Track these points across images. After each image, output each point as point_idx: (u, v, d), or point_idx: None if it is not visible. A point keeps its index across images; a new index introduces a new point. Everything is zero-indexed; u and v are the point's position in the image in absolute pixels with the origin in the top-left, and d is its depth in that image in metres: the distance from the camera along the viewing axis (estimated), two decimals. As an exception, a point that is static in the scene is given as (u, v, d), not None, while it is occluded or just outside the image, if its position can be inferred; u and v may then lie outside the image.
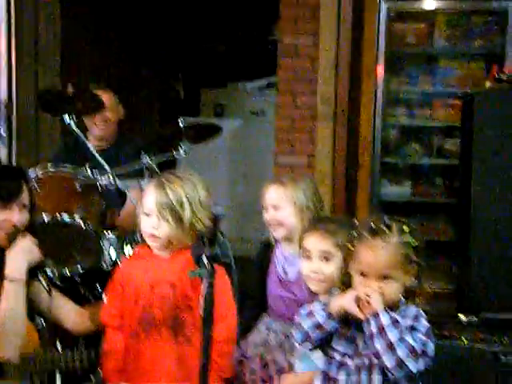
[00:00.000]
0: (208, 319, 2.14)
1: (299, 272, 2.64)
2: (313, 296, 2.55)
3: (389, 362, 1.99)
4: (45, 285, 2.66)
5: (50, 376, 2.54)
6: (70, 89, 3.59)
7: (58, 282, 3.15)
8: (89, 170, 3.41)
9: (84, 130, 3.93)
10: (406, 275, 2.10)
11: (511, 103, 4.05)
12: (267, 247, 3.04)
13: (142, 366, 2.63)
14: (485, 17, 5.00)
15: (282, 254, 2.94)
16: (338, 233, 2.44)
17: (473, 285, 4.02)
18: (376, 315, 2.01)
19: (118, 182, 3.47)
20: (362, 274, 2.09)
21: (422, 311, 2.12)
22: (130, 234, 3.38)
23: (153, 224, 2.64)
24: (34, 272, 2.62)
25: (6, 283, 2.51)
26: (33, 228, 2.69)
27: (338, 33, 4.69)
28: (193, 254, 2.20)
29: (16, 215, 2.58)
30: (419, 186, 5.30)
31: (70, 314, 2.76)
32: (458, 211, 4.62)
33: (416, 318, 2.08)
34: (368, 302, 2.02)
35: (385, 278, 2.07)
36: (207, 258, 2.13)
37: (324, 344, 2.18)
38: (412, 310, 2.11)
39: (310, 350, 2.26)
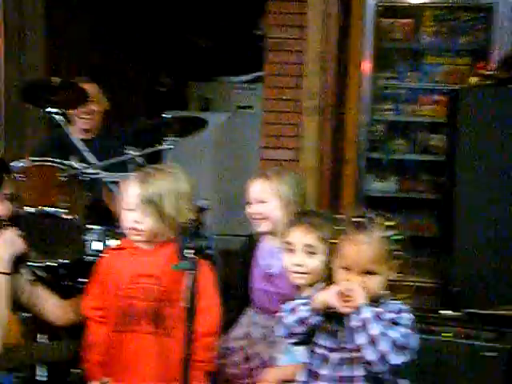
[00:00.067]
0: (191, 311, 2.14)
1: (283, 266, 2.64)
2: (296, 290, 2.56)
3: (371, 355, 2.00)
4: (28, 277, 2.65)
5: (32, 367, 2.54)
6: (55, 80, 3.55)
7: (42, 274, 3.13)
8: (73, 162, 3.39)
9: (69, 122, 3.91)
10: (389, 270, 2.11)
11: (496, 99, 4.06)
12: (251, 241, 3.05)
13: (124, 358, 2.62)
14: (471, 13, 5.02)
15: (266, 247, 2.95)
16: (322, 227, 2.45)
17: (455, 280, 4.04)
18: (358, 309, 2.02)
19: (103, 174, 3.46)
20: (345, 269, 2.10)
21: (405, 305, 2.12)
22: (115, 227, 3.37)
23: (134, 218, 2.64)
24: (17, 264, 2.61)
25: (-11, 275, 2.50)
26: (16, 220, 2.67)
27: (325, 27, 4.69)
28: (178, 247, 2.19)
29: (-2, 207, 2.56)
30: (405, 182, 5.31)
31: (52, 306, 2.76)
32: (442, 207, 4.64)
33: (399, 311, 2.09)
34: (351, 297, 2.03)
35: (368, 272, 2.08)
36: (191, 250, 2.13)
37: (307, 338, 2.18)
38: (395, 304, 2.12)
39: (294, 344, 2.27)
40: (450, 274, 4.12)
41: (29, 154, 3.67)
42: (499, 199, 4.00)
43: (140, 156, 3.49)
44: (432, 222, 5.08)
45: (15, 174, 3.08)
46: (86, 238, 3.36)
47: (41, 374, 2.84)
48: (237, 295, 3.08)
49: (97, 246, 3.38)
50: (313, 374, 2.17)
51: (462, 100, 4.11)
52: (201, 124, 3.90)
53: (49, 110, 3.57)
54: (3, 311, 2.49)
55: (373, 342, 1.99)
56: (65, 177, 3.30)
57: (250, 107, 6.89)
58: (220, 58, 7.53)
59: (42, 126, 4.91)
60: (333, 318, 2.13)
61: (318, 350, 2.16)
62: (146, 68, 7.75)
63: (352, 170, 5.02)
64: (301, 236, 2.49)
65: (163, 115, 3.71)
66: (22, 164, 3.30)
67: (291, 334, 2.17)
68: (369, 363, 2.02)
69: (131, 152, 3.52)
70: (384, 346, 1.99)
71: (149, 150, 3.56)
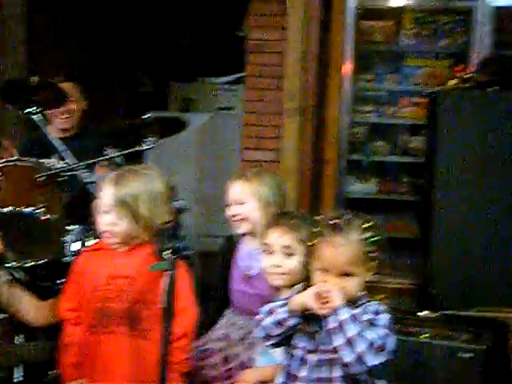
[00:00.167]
0: (168, 312, 2.14)
1: (262, 267, 2.64)
2: (276, 291, 2.57)
3: (348, 357, 2.01)
4: (5, 278, 2.64)
5: (9, 368, 2.53)
6: (33, 80, 3.53)
7: (19, 275, 3.11)
8: (51, 162, 3.37)
9: (47, 121, 3.89)
10: (367, 271, 2.12)
11: (474, 102, 4.09)
12: (231, 242, 3.04)
13: (99, 360, 2.61)
14: (451, 16, 5.04)
15: (246, 249, 2.95)
16: (300, 228, 2.45)
17: (433, 282, 4.06)
18: (335, 311, 2.02)
19: (82, 174, 3.45)
20: (323, 271, 2.10)
21: (382, 306, 2.13)
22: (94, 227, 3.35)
23: (109, 221, 2.63)
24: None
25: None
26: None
27: (306, 29, 4.69)
28: (156, 248, 2.19)
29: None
30: (385, 184, 5.33)
31: (29, 306, 2.74)
32: (422, 209, 4.66)
33: (376, 313, 2.10)
34: (328, 298, 2.03)
35: (345, 274, 2.08)
36: (168, 251, 2.13)
37: (285, 340, 2.18)
38: (372, 305, 2.12)
39: (271, 346, 2.27)
40: (429, 275, 4.14)
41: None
42: (477, 201, 4.02)
43: (119, 156, 3.48)
44: (412, 223, 5.09)
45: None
46: (65, 238, 3.34)
47: (17, 375, 2.83)
48: (216, 297, 3.07)
49: (76, 246, 3.36)
50: (291, 376, 2.17)
51: (441, 102, 4.13)
52: (181, 125, 3.89)
53: (28, 109, 3.55)
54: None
55: (350, 343, 1.99)
56: (42, 177, 3.28)
57: (231, 108, 6.90)
58: (202, 59, 7.52)
59: (21, 126, 4.88)
60: (311, 320, 2.14)
61: (297, 352, 2.17)
62: (127, 68, 7.73)
63: (332, 171, 5.03)
64: (278, 237, 2.50)
65: (144, 116, 3.70)
66: (-1, 164, 3.28)
67: (269, 336, 2.17)
68: (346, 364, 2.02)
69: (110, 152, 3.51)
70: (361, 347, 1.99)
71: (128, 151, 3.55)
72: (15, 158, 3.37)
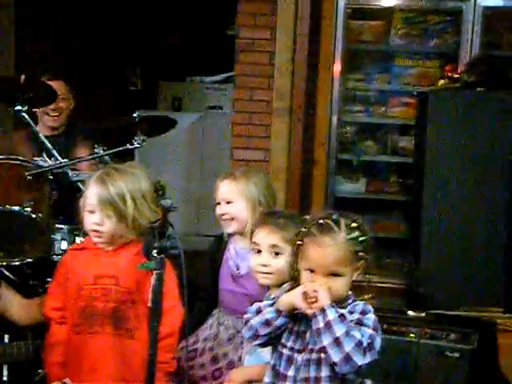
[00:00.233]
0: (156, 312, 2.14)
1: (250, 266, 2.64)
2: (264, 290, 2.56)
3: (335, 356, 2.00)
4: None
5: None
6: (22, 78, 3.51)
7: (7, 274, 3.10)
8: (40, 161, 3.36)
9: (36, 119, 3.87)
10: (354, 271, 2.12)
11: (464, 102, 4.09)
12: (220, 242, 3.04)
13: (85, 359, 2.60)
14: (441, 16, 5.04)
15: (235, 248, 2.95)
16: (288, 227, 2.44)
17: (421, 281, 4.07)
18: (323, 311, 2.02)
19: (70, 173, 3.43)
20: (310, 270, 2.10)
21: (369, 306, 2.13)
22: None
23: (95, 220, 2.62)
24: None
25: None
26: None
27: (295, 28, 4.69)
28: (144, 247, 2.19)
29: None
30: (374, 183, 5.33)
31: (16, 305, 2.73)
32: (411, 209, 4.67)
33: (363, 312, 2.10)
34: (315, 298, 2.03)
35: (333, 274, 2.08)
36: (156, 250, 2.13)
37: (274, 340, 2.18)
38: (360, 305, 2.12)
39: (259, 345, 2.27)
40: (417, 275, 4.15)
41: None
42: (466, 201, 4.03)
43: (107, 155, 3.47)
44: (401, 223, 5.10)
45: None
46: (54, 237, 3.33)
47: (6, 373, 2.82)
48: (205, 296, 3.07)
49: (64, 245, 3.35)
50: (279, 375, 2.16)
51: (430, 102, 4.13)
52: (170, 124, 3.90)
53: (16, 107, 3.53)
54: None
55: (337, 342, 1.99)
56: (31, 175, 3.27)
57: (220, 107, 6.90)
58: (192, 58, 7.52)
59: (9, 125, 4.85)
60: (299, 320, 2.14)
61: (285, 351, 2.16)
62: (116, 67, 7.72)
63: (322, 171, 5.03)
64: (265, 236, 2.49)
65: (133, 114, 3.69)
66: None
67: (256, 336, 2.17)
68: (334, 364, 2.02)
69: (99, 150, 3.50)
70: (349, 346, 1.99)
71: (116, 149, 3.54)
72: (3, 156, 3.35)
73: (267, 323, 2.13)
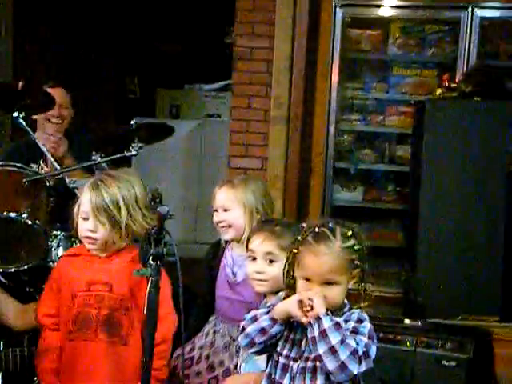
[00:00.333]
0: (152, 318, 2.13)
1: (246, 273, 2.64)
2: (261, 298, 2.56)
3: (331, 364, 2.00)
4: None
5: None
6: (20, 84, 3.51)
7: (3, 280, 3.10)
8: (37, 168, 3.36)
9: (34, 126, 3.87)
10: (350, 279, 2.11)
11: (461, 111, 4.10)
12: (217, 249, 3.05)
13: (78, 366, 2.59)
14: (438, 26, 5.06)
15: (232, 255, 2.95)
16: (283, 235, 2.45)
17: (418, 290, 4.07)
18: (318, 319, 2.02)
19: (67, 179, 3.44)
20: (306, 279, 2.10)
21: (365, 314, 2.13)
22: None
23: (89, 227, 2.61)
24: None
25: None
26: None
27: (293, 37, 4.71)
28: (140, 254, 2.18)
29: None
30: (371, 192, 5.33)
31: (12, 310, 2.72)
32: (407, 217, 4.68)
33: (359, 320, 2.09)
34: (311, 306, 2.03)
35: (328, 282, 2.08)
36: (153, 257, 2.12)
37: (269, 347, 2.18)
38: (355, 313, 2.12)
39: (255, 353, 2.26)
40: (413, 284, 4.15)
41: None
42: (462, 210, 4.04)
43: (104, 162, 3.48)
44: (397, 232, 5.10)
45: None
46: (51, 243, 3.33)
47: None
48: (201, 303, 3.07)
49: (61, 251, 3.35)
50: (276, 383, 2.16)
51: (428, 111, 4.14)
52: (167, 131, 3.90)
53: (15, 114, 3.53)
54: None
55: (332, 351, 1.99)
56: (28, 182, 3.27)
57: (218, 115, 6.91)
58: (190, 66, 7.54)
59: (7, 132, 4.86)
60: (295, 328, 2.14)
61: (281, 360, 2.16)
62: (115, 74, 7.74)
63: (319, 179, 5.03)
64: (261, 243, 2.49)
65: (131, 121, 3.70)
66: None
67: (252, 344, 2.17)
68: (330, 373, 2.02)
69: (97, 158, 3.51)
70: (343, 355, 1.99)
71: (114, 156, 3.54)
72: (0, 162, 3.36)
73: (263, 331, 2.13)
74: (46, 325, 2.67)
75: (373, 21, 5.15)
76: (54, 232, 3.37)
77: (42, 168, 3.43)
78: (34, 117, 3.87)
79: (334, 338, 2.00)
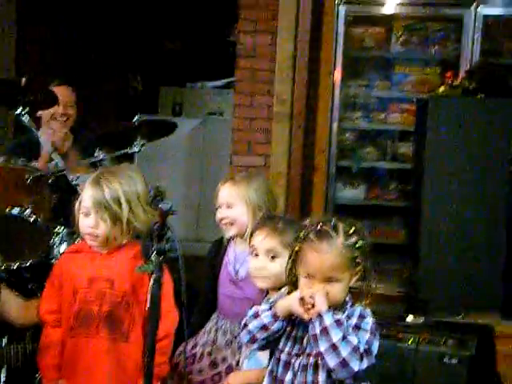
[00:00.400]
0: (153, 315, 2.13)
1: (248, 270, 2.64)
2: (263, 294, 2.56)
3: (332, 361, 2.00)
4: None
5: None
6: (23, 81, 3.51)
7: (5, 276, 3.10)
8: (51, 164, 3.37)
9: (38, 123, 3.86)
10: (352, 276, 2.11)
11: (463, 109, 4.10)
12: (219, 246, 3.05)
13: (80, 362, 2.60)
14: (441, 24, 5.05)
15: (234, 252, 2.95)
16: (286, 232, 2.44)
17: (420, 287, 4.07)
18: (320, 316, 2.02)
19: (70, 176, 3.44)
20: (308, 276, 2.10)
21: (367, 310, 2.13)
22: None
23: (90, 223, 2.61)
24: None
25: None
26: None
27: (296, 34, 4.70)
28: (142, 250, 2.18)
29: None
30: (374, 190, 5.33)
31: (14, 306, 2.73)
32: (410, 215, 4.67)
33: (361, 317, 2.10)
34: (312, 303, 2.03)
35: (330, 280, 2.08)
36: (155, 253, 2.12)
37: (271, 343, 2.18)
38: (357, 309, 2.12)
39: (256, 349, 2.27)
40: (416, 281, 4.15)
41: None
42: (465, 208, 4.03)
43: (107, 159, 3.48)
44: (400, 229, 5.10)
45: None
46: (53, 240, 3.33)
47: (3, 376, 2.82)
48: (204, 301, 3.07)
49: (63, 248, 3.35)
50: (277, 380, 2.16)
51: (430, 109, 4.14)
52: (170, 127, 3.90)
53: (18, 111, 3.53)
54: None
55: (333, 348, 1.99)
56: (31, 178, 3.27)
57: (221, 113, 6.91)
58: (193, 64, 7.54)
59: (8, 130, 4.86)
60: (297, 325, 2.14)
61: (283, 356, 2.16)
62: (117, 72, 7.73)
63: (321, 177, 5.02)
64: (263, 240, 2.49)
65: (133, 119, 3.70)
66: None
67: (254, 340, 2.17)
68: (329, 369, 2.02)
69: (100, 154, 3.51)
70: (344, 351, 1.99)
71: (116, 153, 3.55)
72: (3, 159, 3.36)
73: (264, 327, 2.13)
74: (47, 321, 2.67)
75: (376, 18, 5.15)
76: (57, 228, 3.37)
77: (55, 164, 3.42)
78: (39, 113, 3.86)
79: (336, 336, 2.00)
